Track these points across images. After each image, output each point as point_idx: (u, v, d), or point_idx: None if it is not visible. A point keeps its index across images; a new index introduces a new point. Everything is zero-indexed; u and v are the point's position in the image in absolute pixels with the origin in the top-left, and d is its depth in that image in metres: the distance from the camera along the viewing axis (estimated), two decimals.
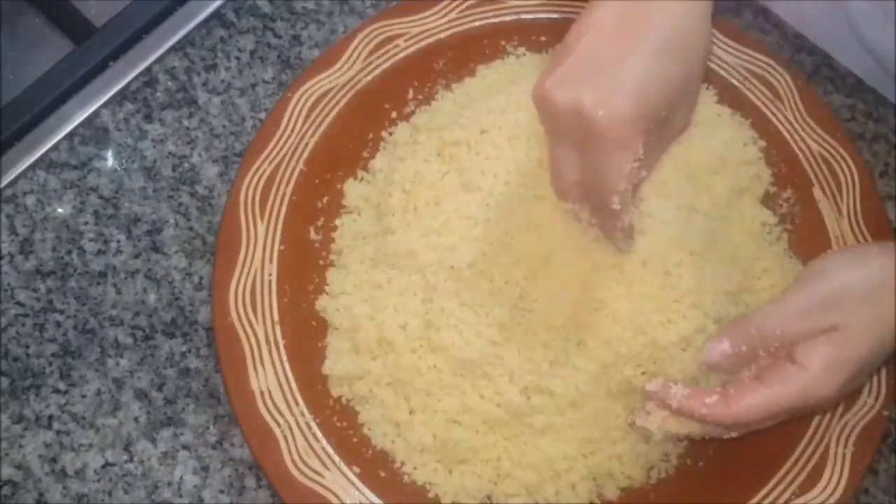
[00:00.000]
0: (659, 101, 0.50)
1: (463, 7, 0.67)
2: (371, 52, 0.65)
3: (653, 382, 0.54)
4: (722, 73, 0.68)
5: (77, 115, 0.68)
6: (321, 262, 0.63)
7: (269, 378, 0.58)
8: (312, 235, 0.63)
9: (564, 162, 0.52)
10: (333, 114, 0.64)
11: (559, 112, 0.50)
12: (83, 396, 0.61)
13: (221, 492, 0.60)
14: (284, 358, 0.58)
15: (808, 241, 0.64)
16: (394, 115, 0.66)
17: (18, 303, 0.63)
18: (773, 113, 0.67)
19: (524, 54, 0.67)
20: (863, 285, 0.52)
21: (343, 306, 0.60)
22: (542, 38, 0.68)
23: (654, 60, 0.50)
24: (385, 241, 0.60)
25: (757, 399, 0.51)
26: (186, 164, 0.68)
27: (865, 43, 0.71)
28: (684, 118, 0.57)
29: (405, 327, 0.58)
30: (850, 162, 0.65)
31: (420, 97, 0.67)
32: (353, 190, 0.64)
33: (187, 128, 0.69)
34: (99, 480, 0.59)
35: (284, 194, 0.62)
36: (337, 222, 0.64)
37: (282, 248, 0.61)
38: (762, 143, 0.66)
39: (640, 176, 0.52)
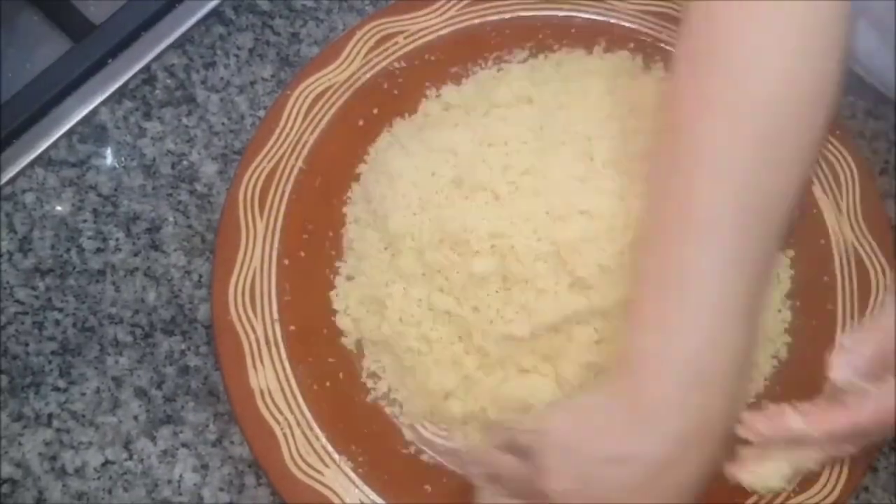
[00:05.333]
0: None
1: (462, 5, 0.67)
2: (370, 50, 0.65)
3: (762, 419, 0.48)
4: None
5: (76, 113, 0.68)
6: (321, 259, 0.63)
7: (268, 376, 0.57)
8: (312, 233, 0.63)
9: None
10: (333, 111, 0.64)
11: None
12: (83, 394, 0.61)
13: (221, 490, 0.60)
14: (284, 356, 0.58)
15: (808, 240, 0.64)
16: (393, 112, 0.66)
17: (17, 301, 0.63)
18: None
19: (524, 53, 0.67)
20: None
21: (343, 305, 0.60)
22: (541, 36, 0.68)
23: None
24: (385, 239, 0.60)
25: (883, 401, 0.46)
26: (185, 162, 0.68)
27: None
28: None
29: (408, 324, 0.58)
30: (850, 160, 0.65)
31: (420, 95, 0.67)
32: (353, 188, 0.64)
33: (186, 125, 0.69)
34: (98, 478, 0.59)
35: (284, 192, 0.62)
36: (337, 219, 0.64)
37: (281, 245, 0.61)
38: None
39: None
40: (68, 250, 0.65)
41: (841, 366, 0.48)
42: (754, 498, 0.57)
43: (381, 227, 0.60)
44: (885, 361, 0.48)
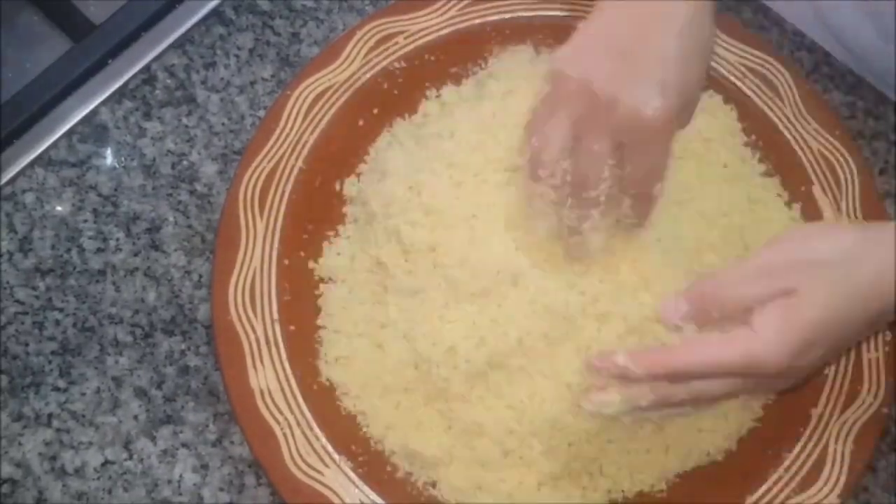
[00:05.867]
0: (684, 89, 0.51)
1: (462, 5, 0.67)
2: (370, 50, 0.65)
3: (596, 358, 0.52)
4: (721, 70, 0.68)
5: (76, 113, 0.68)
6: (321, 259, 0.63)
7: (268, 376, 0.58)
8: (312, 233, 0.63)
9: (554, 135, 0.52)
10: (332, 111, 0.64)
11: (572, 87, 0.51)
12: (83, 394, 0.61)
13: (221, 490, 0.60)
14: (284, 356, 0.58)
15: None
16: (393, 112, 0.66)
17: (18, 301, 0.63)
18: (772, 110, 0.67)
19: (523, 52, 0.67)
20: (832, 255, 0.50)
21: (344, 304, 0.60)
22: (541, 36, 0.68)
23: (676, 46, 0.51)
24: (385, 238, 0.60)
25: (700, 350, 0.50)
26: (185, 162, 0.68)
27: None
28: (686, 118, 0.56)
29: (407, 323, 0.58)
30: (850, 160, 0.65)
31: (420, 95, 0.66)
32: (353, 188, 0.64)
33: (186, 126, 0.69)
34: (98, 478, 0.59)
35: (284, 192, 0.62)
36: (336, 219, 0.64)
37: (281, 245, 0.61)
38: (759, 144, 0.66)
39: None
40: (68, 250, 0.65)
41: (667, 310, 0.52)
42: (754, 497, 0.57)
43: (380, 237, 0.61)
44: (707, 317, 0.51)
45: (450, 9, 0.67)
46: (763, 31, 0.73)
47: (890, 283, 0.49)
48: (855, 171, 0.65)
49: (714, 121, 0.66)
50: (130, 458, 0.60)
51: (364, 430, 0.58)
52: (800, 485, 0.57)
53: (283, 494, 0.55)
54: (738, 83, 0.67)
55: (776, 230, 0.62)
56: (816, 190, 0.65)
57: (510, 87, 0.64)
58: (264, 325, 0.59)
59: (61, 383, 0.61)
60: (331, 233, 0.63)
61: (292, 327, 0.59)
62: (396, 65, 0.66)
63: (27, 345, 0.62)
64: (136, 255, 0.65)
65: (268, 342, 0.58)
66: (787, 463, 0.58)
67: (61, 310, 0.63)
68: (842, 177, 0.65)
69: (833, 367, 0.60)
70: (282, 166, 0.62)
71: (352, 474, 0.56)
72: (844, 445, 0.58)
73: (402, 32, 0.66)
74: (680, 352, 0.50)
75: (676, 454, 0.58)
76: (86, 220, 0.66)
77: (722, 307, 0.50)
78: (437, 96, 0.66)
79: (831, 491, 0.56)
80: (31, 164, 0.67)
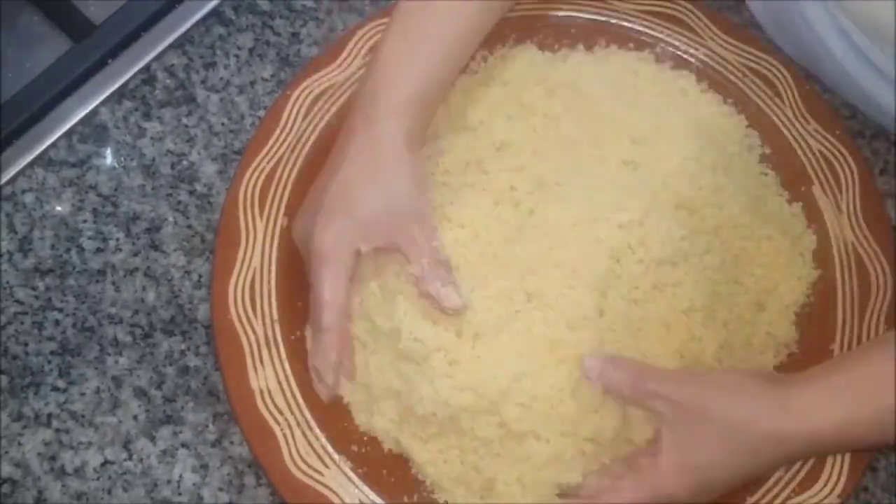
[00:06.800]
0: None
1: None
2: (370, 50, 0.65)
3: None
4: (721, 70, 0.68)
5: (76, 113, 0.68)
6: None
7: (268, 376, 0.57)
8: None
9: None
10: (332, 111, 0.64)
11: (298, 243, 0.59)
12: (82, 394, 0.61)
13: (221, 490, 0.60)
14: (284, 356, 0.58)
15: None
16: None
17: (17, 301, 0.63)
18: (772, 110, 0.67)
19: (525, 51, 0.67)
20: (730, 413, 0.53)
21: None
22: (542, 36, 0.68)
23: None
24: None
25: (617, 496, 0.54)
26: (185, 162, 0.68)
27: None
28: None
29: (406, 322, 0.58)
30: (850, 159, 0.65)
31: None
32: None
33: (186, 126, 0.69)
34: (98, 479, 0.59)
35: (283, 192, 0.62)
36: None
37: (281, 245, 0.61)
38: (759, 144, 0.66)
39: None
40: (68, 250, 0.65)
41: (592, 367, 0.55)
42: (754, 498, 0.57)
43: None
44: (619, 387, 0.54)
45: None
46: (763, 31, 0.73)
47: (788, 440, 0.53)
48: (855, 171, 0.65)
49: (713, 120, 0.66)
50: (130, 458, 0.60)
51: (364, 430, 0.58)
52: (800, 485, 0.57)
53: (283, 494, 0.55)
54: (738, 83, 0.67)
55: (776, 230, 0.62)
56: (816, 190, 0.65)
57: (510, 86, 0.64)
58: (264, 325, 0.59)
59: (61, 383, 0.61)
60: None
61: (292, 327, 0.59)
62: None
63: (27, 345, 0.62)
64: (135, 255, 0.65)
65: (268, 342, 0.58)
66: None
67: (61, 310, 0.63)
68: (842, 177, 0.65)
69: None
70: (282, 166, 0.62)
71: (352, 474, 0.56)
72: None
73: None
74: (604, 498, 0.54)
75: None
76: (85, 220, 0.66)
77: (634, 392, 0.54)
78: None
79: (831, 491, 0.56)
80: (31, 164, 0.67)
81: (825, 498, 0.56)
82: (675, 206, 0.59)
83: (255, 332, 0.58)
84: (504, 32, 0.67)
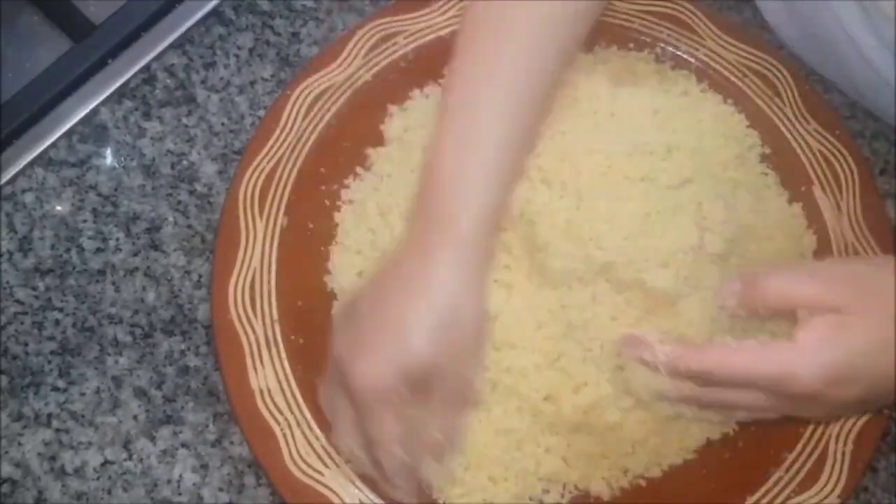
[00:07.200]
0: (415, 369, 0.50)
1: (462, 4, 0.67)
2: (370, 50, 0.65)
3: (630, 339, 0.51)
4: (721, 70, 0.68)
5: (76, 113, 0.68)
6: (321, 259, 0.63)
7: (268, 376, 0.57)
8: (312, 233, 0.63)
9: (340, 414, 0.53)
10: (332, 111, 0.64)
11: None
12: (82, 394, 0.61)
13: (221, 490, 0.60)
14: (284, 356, 0.58)
15: None
16: (393, 112, 0.66)
17: (17, 301, 0.63)
18: (772, 110, 0.67)
19: None
20: (883, 287, 0.47)
21: (343, 304, 0.60)
22: None
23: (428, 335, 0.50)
24: (386, 238, 0.60)
25: (732, 356, 0.47)
26: (185, 162, 0.68)
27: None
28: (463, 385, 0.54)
29: None
30: (850, 160, 0.65)
31: (419, 95, 0.66)
32: (352, 187, 0.64)
33: (186, 125, 0.69)
34: (98, 479, 0.59)
35: (283, 192, 0.62)
36: (336, 219, 0.64)
37: (281, 245, 0.61)
38: (759, 144, 0.66)
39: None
40: (68, 250, 0.65)
41: (723, 289, 0.51)
42: (754, 498, 0.57)
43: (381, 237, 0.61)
44: (752, 300, 0.50)
45: (450, 9, 0.67)
46: (763, 30, 0.73)
47: None
48: (855, 171, 0.65)
49: (713, 120, 0.66)
50: (130, 458, 0.60)
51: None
52: (800, 485, 0.57)
53: (283, 495, 0.55)
54: (738, 83, 0.67)
55: (776, 230, 0.62)
56: (816, 190, 0.65)
57: None
58: (264, 325, 0.59)
59: (61, 383, 0.61)
60: (331, 233, 0.63)
61: (292, 327, 0.59)
62: (396, 64, 0.66)
63: (27, 345, 0.62)
64: (135, 255, 0.65)
65: (268, 342, 0.58)
66: (787, 463, 0.58)
67: (61, 310, 0.63)
68: (842, 177, 0.65)
69: None
70: (282, 166, 0.62)
71: (352, 474, 0.56)
72: (844, 445, 0.58)
73: (401, 32, 0.66)
74: (712, 354, 0.48)
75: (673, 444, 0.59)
76: (85, 220, 0.66)
77: (765, 300, 0.49)
78: (438, 95, 0.66)
79: (832, 491, 0.56)
80: (31, 164, 0.67)
81: (825, 498, 0.56)
82: (674, 206, 0.59)
83: (254, 332, 0.58)
84: None
